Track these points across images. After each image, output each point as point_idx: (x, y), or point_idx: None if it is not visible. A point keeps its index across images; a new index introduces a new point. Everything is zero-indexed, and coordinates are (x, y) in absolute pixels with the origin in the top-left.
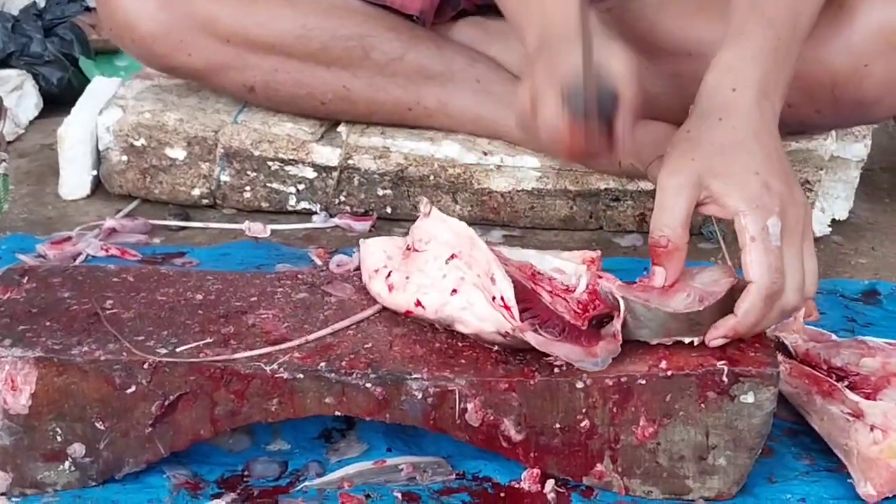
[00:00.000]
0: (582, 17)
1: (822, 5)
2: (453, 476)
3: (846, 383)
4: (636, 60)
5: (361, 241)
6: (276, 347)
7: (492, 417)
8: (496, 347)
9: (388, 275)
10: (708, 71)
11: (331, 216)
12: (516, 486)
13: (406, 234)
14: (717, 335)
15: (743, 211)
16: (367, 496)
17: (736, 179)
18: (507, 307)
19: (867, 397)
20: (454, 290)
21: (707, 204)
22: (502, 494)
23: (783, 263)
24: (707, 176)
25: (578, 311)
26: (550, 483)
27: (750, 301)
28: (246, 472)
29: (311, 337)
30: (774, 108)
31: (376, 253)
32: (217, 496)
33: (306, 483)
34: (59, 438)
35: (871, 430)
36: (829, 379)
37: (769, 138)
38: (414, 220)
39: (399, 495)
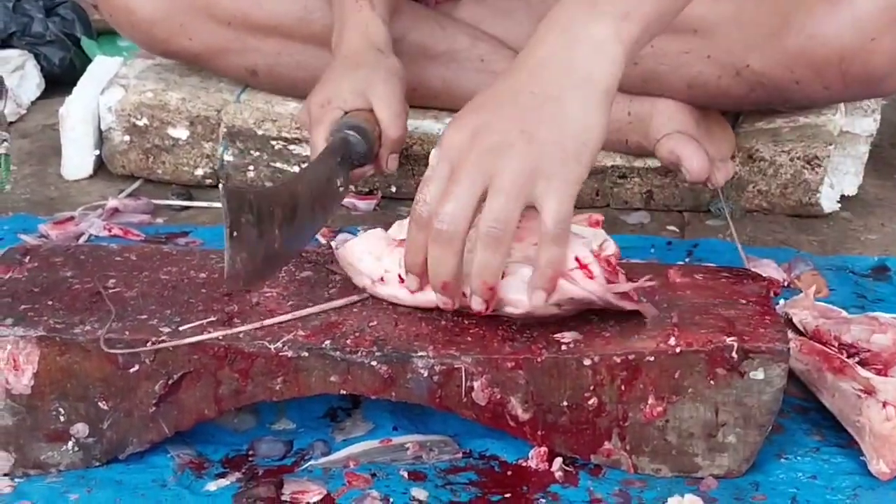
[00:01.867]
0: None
1: None
2: (460, 455)
3: (857, 359)
4: (397, 90)
5: (337, 250)
6: (275, 320)
7: (498, 396)
8: (503, 326)
9: (400, 278)
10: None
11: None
12: (523, 464)
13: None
14: None
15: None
16: (373, 475)
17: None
18: (584, 266)
19: (878, 373)
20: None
21: None
22: (509, 473)
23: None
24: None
25: (610, 271)
26: (558, 461)
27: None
28: (251, 452)
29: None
30: (575, 36)
31: (364, 258)
32: (222, 476)
33: (311, 462)
34: (62, 418)
35: (884, 406)
36: (839, 355)
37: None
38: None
39: (405, 474)
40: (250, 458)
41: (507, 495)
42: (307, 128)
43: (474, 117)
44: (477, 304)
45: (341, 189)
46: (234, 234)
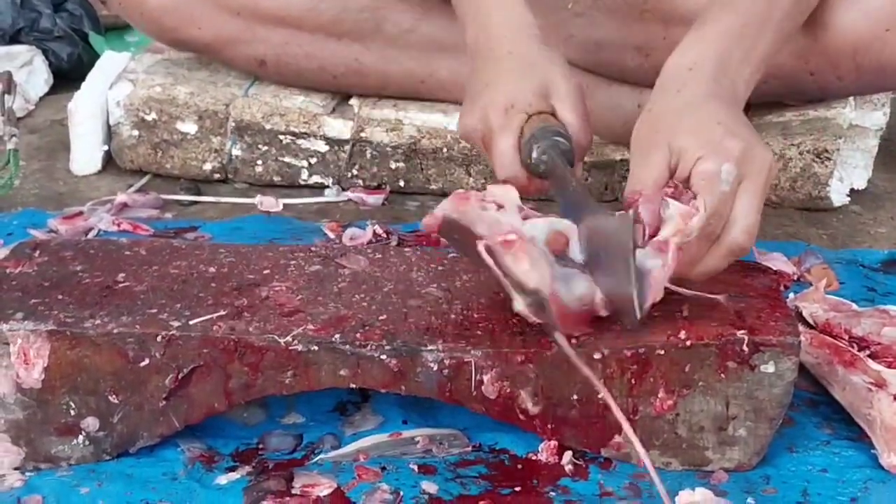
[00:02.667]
0: (524, 27)
1: None
2: (470, 448)
3: (868, 353)
4: (580, 89)
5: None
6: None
7: (508, 390)
8: (513, 319)
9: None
10: (668, 58)
11: (343, 190)
12: (533, 457)
13: (419, 207)
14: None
15: (701, 156)
16: (383, 468)
17: (697, 130)
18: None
19: (889, 366)
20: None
21: (680, 169)
22: (519, 466)
23: (728, 208)
24: (673, 140)
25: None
26: (568, 455)
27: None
28: (261, 446)
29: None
30: (735, 85)
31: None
32: (232, 469)
33: (321, 456)
34: (72, 412)
35: (894, 399)
36: (850, 348)
37: (729, 101)
38: (426, 194)
39: (415, 467)
40: (260, 452)
41: (518, 489)
42: (480, 138)
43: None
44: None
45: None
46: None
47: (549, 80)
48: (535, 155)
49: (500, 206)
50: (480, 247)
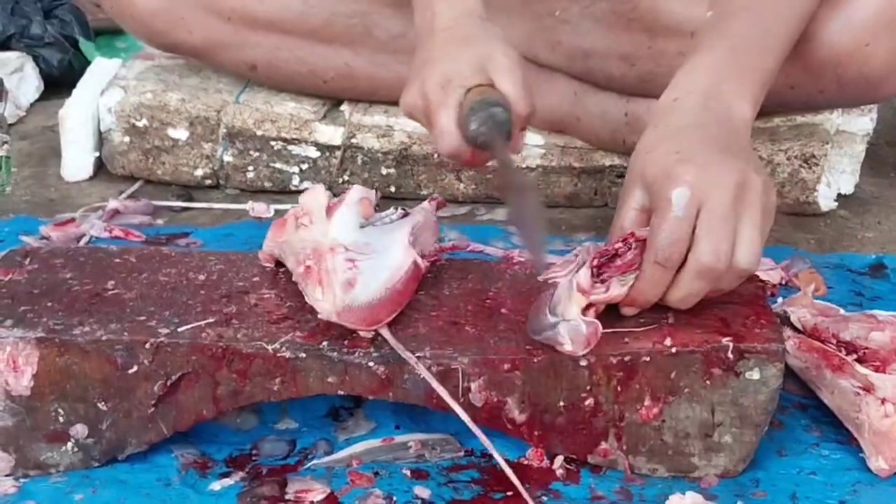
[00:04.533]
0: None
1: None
2: (462, 453)
3: (855, 357)
4: (518, 60)
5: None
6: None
7: (495, 399)
8: (500, 326)
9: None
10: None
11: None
12: (525, 462)
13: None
14: (622, 304)
15: (658, 186)
16: (376, 473)
17: (657, 163)
18: None
19: (877, 370)
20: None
21: (651, 204)
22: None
23: (685, 232)
24: (643, 176)
25: None
26: (559, 459)
27: (642, 267)
28: (254, 451)
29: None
30: (730, 108)
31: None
32: (226, 475)
33: (315, 461)
34: (61, 419)
35: (882, 403)
36: (838, 353)
37: (718, 126)
38: (417, 199)
39: (408, 472)
40: (254, 458)
41: (509, 493)
42: (421, 114)
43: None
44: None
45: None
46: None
47: (485, 53)
48: (472, 127)
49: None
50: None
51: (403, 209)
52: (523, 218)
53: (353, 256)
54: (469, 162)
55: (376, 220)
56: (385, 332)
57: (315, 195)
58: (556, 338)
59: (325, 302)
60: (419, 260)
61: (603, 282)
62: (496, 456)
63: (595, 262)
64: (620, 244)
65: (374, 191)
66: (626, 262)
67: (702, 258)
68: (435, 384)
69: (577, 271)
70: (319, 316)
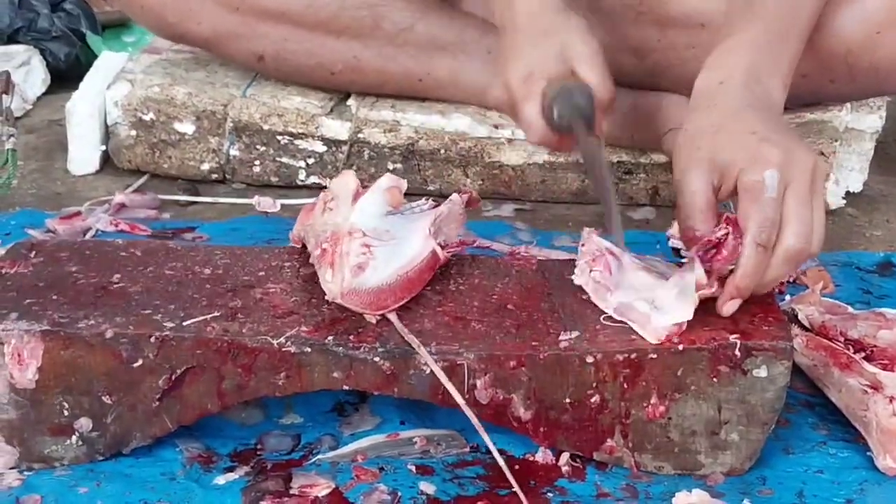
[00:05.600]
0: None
1: None
2: (467, 449)
3: (863, 355)
4: (598, 48)
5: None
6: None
7: (501, 397)
8: (506, 322)
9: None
10: (699, 75)
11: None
12: (531, 458)
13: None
14: (724, 299)
15: (742, 168)
16: (381, 469)
17: (734, 144)
18: None
19: (885, 369)
20: None
21: (725, 184)
22: (517, 467)
23: (778, 214)
24: (714, 157)
25: None
26: (565, 456)
27: (743, 251)
28: (259, 446)
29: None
30: (768, 90)
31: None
32: (230, 469)
33: (319, 456)
34: (65, 413)
35: (890, 401)
36: (846, 351)
37: (764, 108)
38: (423, 195)
39: (413, 468)
40: (258, 452)
41: (514, 490)
42: (508, 108)
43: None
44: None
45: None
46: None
47: (565, 43)
48: (555, 114)
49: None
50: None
51: (435, 201)
52: (605, 199)
53: (369, 242)
54: (558, 147)
55: (405, 210)
56: (392, 317)
57: (345, 180)
58: (648, 319)
59: (333, 284)
60: (438, 250)
61: (709, 275)
62: (495, 453)
63: (701, 254)
64: (722, 232)
65: (404, 180)
66: (731, 250)
67: (791, 240)
68: (438, 370)
69: (689, 269)
70: (326, 297)
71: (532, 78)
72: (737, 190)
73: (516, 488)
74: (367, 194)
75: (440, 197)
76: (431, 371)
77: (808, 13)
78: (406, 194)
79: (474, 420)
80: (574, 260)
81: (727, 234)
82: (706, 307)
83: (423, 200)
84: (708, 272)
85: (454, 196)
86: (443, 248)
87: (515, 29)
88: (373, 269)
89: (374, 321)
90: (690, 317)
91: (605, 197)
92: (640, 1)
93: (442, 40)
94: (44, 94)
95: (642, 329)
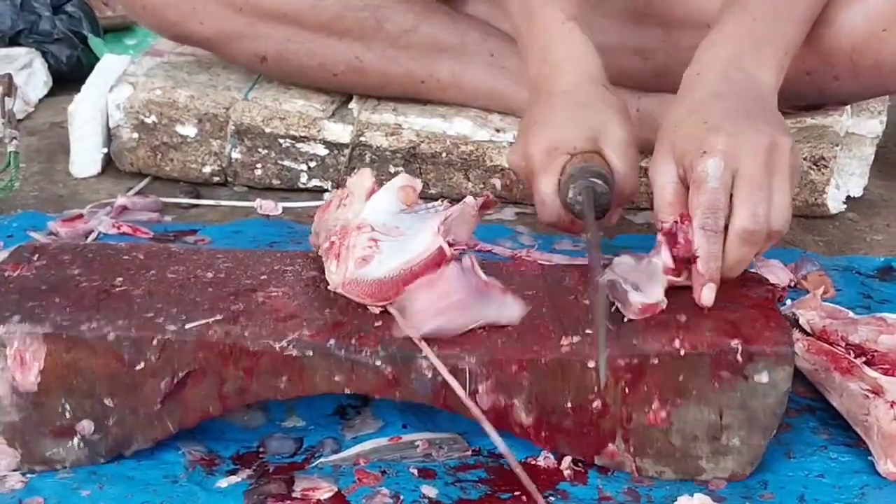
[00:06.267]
0: (584, 68)
1: None
2: (469, 452)
3: (864, 360)
4: (633, 136)
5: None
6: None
7: (503, 402)
8: (509, 326)
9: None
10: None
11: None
12: (533, 462)
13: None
14: (697, 288)
15: (691, 159)
16: (383, 472)
17: (689, 136)
18: None
19: (886, 373)
20: None
21: (686, 176)
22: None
23: (723, 200)
24: (674, 150)
25: None
26: (567, 460)
27: (694, 239)
28: (261, 449)
29: None
30: (753, 77)
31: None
32: (232, 472)
33: (322, 459)
34: (67, 415)
35: (891, 406)
36: (847, 356)
37: (738, 94)
38: (426, 198)
39: (415, 471)
40: (261, 455)
41: (517, 493)
42: (524, 174)
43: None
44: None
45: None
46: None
47: (601, 122)
48: (570, 195)
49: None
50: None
51: (450, 202)
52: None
53: (377, 236)
54: (568, 229)
55: (420, 209)
56: (392, 310)
57: (361, 178)
58: (626, 297)
59: (336, 274)
60: (446, 247)
61: (676, 261)
62: (504, 449)
63: (665, 241)
64: (674, 223)
65: (419, 180)
66: (684, 238)
67: (742, 223)
68: (438, 364)
69: (657, 254)
70: (329, 287)
71: (556, 152)
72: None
73: (529, 486)
74: (379, 192)
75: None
76: (434, 375)
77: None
78: None
79: (487, 427)
80: (575, 264)
81: (677, 222)
82: (707, 313)
83: (440, 202)
84: (675, 259)
85: (468, 198)
86: (450, 245)
87: (551, 95)
88: (378, 262)
89: (376, 311)
90: (661, 298)
91: (593, 305)
92: (646, 2)
93: (444, 43)
94: (45, 96)
95: (622, 307)
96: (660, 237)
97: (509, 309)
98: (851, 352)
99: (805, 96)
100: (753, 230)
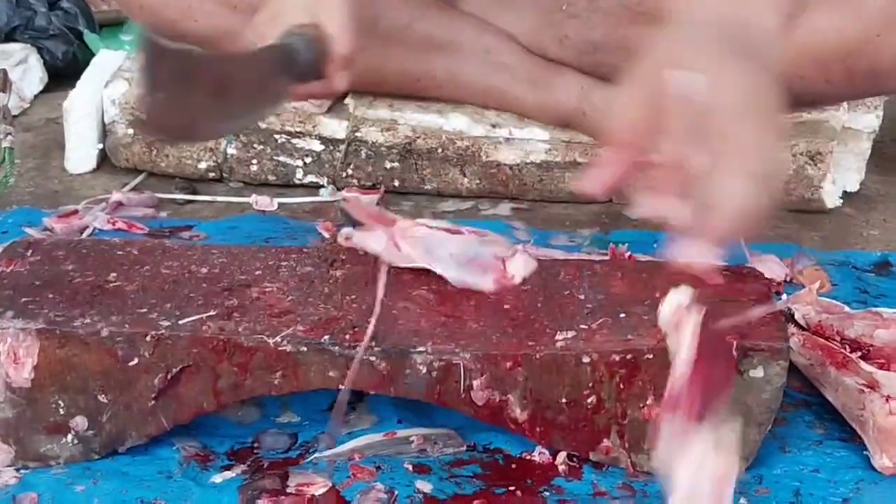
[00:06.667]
0: None
1: None
2: (464, 448)
3: (860, 354)
4: (353, 3)
5: None
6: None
7: (497, 398)
8: (503, 322)
9: None
10: None
11: (338, 189)
12: (528, 457)
13: (414, 207)
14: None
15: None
16: (378, 468)
17: (662, 59)
18: None
19: (881, 368)
20: None
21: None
22: (513, 466)
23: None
24: (648, 73)
25: None
26: (562, 455)
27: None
28: (256, 445)
29: None
30: (748, 18)
31: None
32: (227, 468)
33: (316, 455)
34: (61, 411)
35: (887, 401)
36: (843, 350)
37: (723, 28)
38: (421, 194)
39: (410, 467)
40: (255, 451)
41: (512, 488)
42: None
43: None
44: None
45: (279, 95)
46: (154, 77)
47: None
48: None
49: None
50: None
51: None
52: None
53: None
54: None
55: None
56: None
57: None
58: None
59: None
60: None
61: None
62: None
63: None
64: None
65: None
66: None
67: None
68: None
69: None
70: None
71: (274, 21)
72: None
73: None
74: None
75: (437, 196)
76: (428, 370)
77: None
78: (404, 193)
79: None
80: (570, 260)
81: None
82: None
83: None
84: None
85: None
86: None
87: None
88: None
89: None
90: None
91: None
92: (639, 1)
93: (439, 40)
94: (41, 92)
95: None
96: None
97: None
98: (847, 346)
99: (798, 99)
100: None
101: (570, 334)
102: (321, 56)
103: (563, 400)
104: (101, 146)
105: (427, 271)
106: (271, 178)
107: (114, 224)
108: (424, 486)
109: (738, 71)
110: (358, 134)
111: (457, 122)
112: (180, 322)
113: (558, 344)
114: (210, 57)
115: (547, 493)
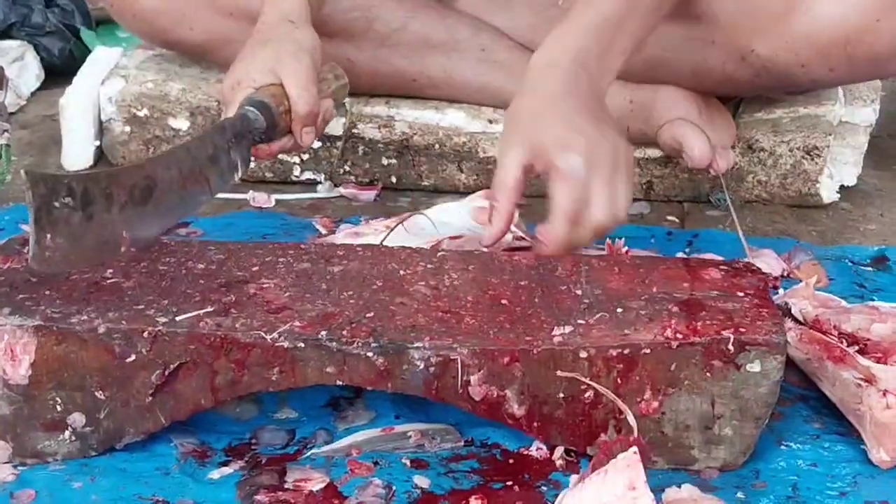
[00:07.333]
0: None
1: None
2: (462, 443)
3: (857, 348)
4: (307, 62)
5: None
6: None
7: (495, 393)
8: (500, 317)
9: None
10: (535, 51)
11: (335, 186)
12: (525, 452)
13: (411, 203)
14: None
15: (553, 154)
16: (376, 463)
17: (549, 131)
18: None
19: (878, 362)
20: None
21: (537, 166)
22: (511, 461)
23: (586, 193)
24: (531, 142)
25: None
26: (559, 450)
27: (553, 222)
28: (254, 441)
29: None
30: (595, 79)
31: None
32: (225, 464)
33: (314, 451)
34: (58, 408)
35: (884, 395)
36: (840, 344)
37: (584, 94)
38: (418, 190)
39: (408, 462)
40: (253, 447)
41: (509, 483)
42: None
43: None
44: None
45: (236, 165)
46: (42, 218)
47: (277, 55)
48: (234, 123)
49: None
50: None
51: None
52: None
53: None
54: (257, 156)
55: None
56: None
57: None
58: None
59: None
60: None
61: None
62: None
63: None
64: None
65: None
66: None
67: (599, 215)
68: None
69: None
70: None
71: (239, 87)
72: (547, 171)
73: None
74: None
75: (434, 192)
76: (425, 366)
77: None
78: (401, 189)
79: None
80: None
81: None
82: (702, 304)
83: None
84: None
85: None
86: None
87: (252, 34)
88: None
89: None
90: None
91: None
92: None
93: (434, 39)
94: (37, 89)
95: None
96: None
97: None
98: (844, 341)
99: (799, 86)
100: (606, 224)
101: (568, 329)
102: (281, 116)
103: (561, 395)
104: (97, 143)
105: (424, 267)
106: (269, 174)
107: None
108: (422, 481)
109: (603, 139)
110: (355, 130)
111: (454, 119)
112: (177, 318)
113: (556, 339)
114: (133, 167)
115: (544, 488)
